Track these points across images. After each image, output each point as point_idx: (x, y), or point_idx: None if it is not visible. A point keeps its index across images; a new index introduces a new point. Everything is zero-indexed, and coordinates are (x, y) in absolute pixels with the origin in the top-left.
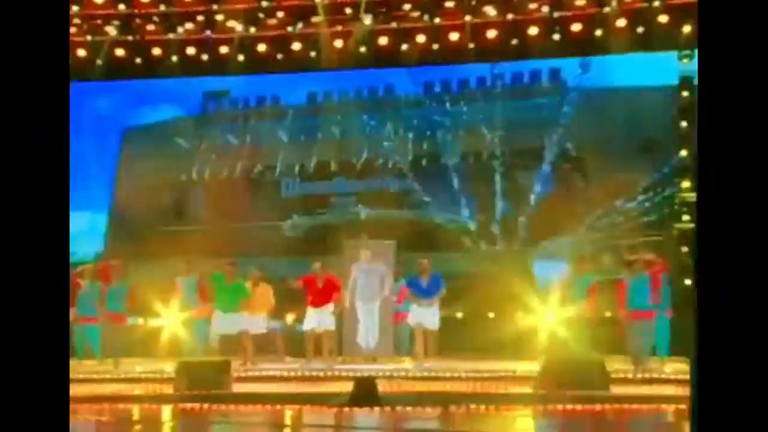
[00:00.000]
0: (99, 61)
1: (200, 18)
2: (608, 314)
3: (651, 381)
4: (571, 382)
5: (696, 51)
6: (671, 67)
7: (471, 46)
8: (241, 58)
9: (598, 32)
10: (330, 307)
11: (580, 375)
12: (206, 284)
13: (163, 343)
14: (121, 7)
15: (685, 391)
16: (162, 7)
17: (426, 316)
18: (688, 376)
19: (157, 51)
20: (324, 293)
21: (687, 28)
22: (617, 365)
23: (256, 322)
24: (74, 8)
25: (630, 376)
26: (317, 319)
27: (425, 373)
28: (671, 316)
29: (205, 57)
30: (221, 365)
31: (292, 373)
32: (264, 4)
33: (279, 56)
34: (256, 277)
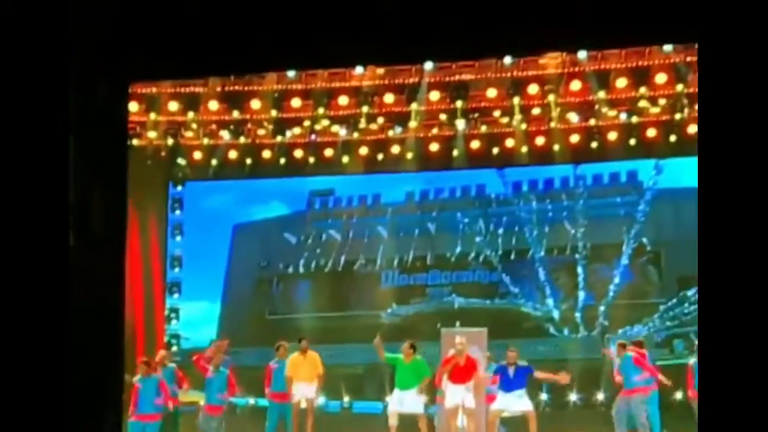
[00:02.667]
0: (213, 162)
1: (307, 123)
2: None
3: None
4: None
5: None
6: None
7: (555, 149)
8: (344, 159)
9: (672, 137)
10: (471, 384)
11: None
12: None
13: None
14: (235, 113)
15: None
16: (272, 113)
17: (511, 404)
18: None
19: (266, 153)
20: (465, 371)
21: None
22: None
23: (304, 389)
24: (191, 114)
25: None
26: (461, 396)
27: None
28: None
29: (311, 159)
30: None
31: None
32: (365, 110)
33: (379, 158)
34: (305, 347)
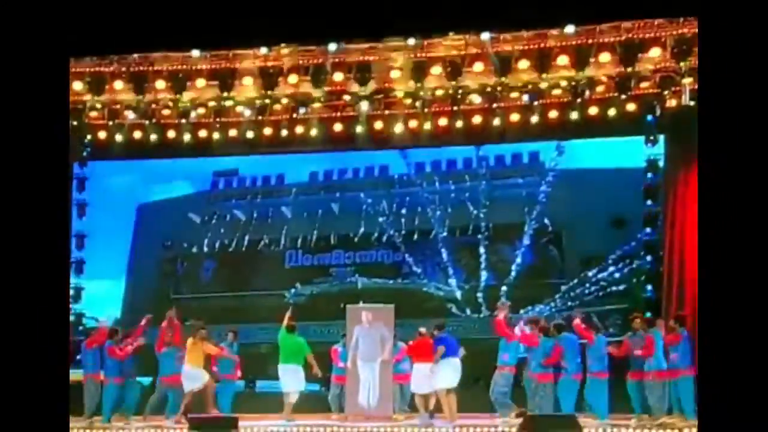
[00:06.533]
0: (118, 141)
1: (211, 103)
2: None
3: None
4: None
5: (660, 136)
6: (638, 151)
7: (458, 130)
8: (248, 139)
9: (573, 119)
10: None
11: (555, 429)
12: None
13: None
14: (140, 93)
15: None
16: (177, 93)
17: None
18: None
19: (171, 133)
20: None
21: (651, 116)
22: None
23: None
24: (96, 94)
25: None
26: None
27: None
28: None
29: (215, 139)
30: (229, 421)
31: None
32: (269, 90)
33: (283, 138)
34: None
